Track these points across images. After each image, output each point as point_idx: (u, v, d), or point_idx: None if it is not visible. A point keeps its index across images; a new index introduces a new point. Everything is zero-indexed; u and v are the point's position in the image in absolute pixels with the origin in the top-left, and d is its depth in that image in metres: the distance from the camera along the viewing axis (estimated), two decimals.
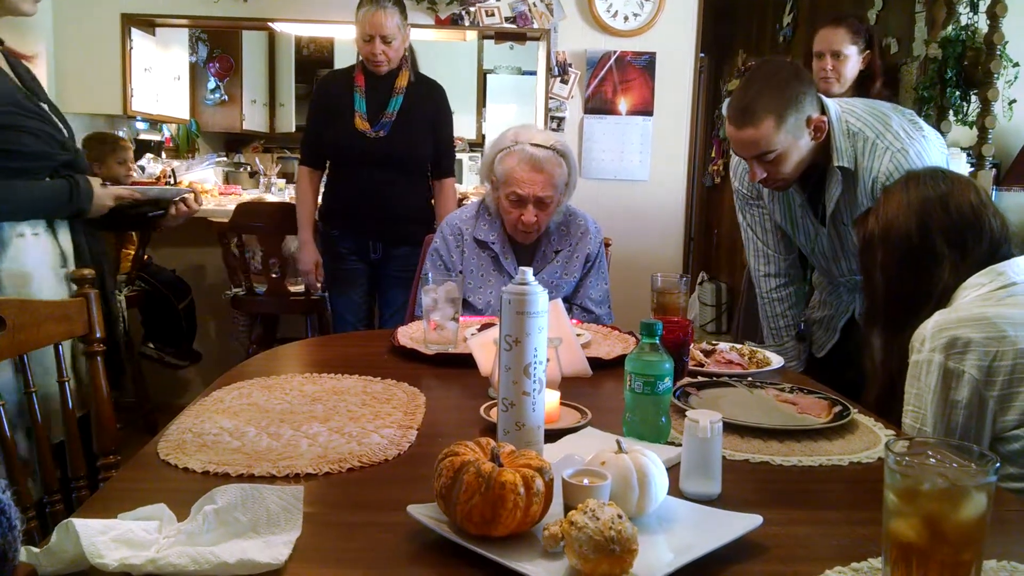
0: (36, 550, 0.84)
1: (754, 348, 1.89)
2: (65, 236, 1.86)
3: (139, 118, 4.57)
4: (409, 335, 1.91)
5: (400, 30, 2.93)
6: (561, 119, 4.00)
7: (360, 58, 3.02)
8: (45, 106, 1.85)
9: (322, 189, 3.23)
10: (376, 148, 2.98)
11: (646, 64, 3.96)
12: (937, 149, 1.92)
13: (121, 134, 4.16)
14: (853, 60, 2.64)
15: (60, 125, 1.87)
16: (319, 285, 3.22)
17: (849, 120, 1.91)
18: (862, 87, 2.68)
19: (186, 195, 2.12)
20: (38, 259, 1.78)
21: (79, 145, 2.04)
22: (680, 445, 1.14)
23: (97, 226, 1.98)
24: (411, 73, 3.04)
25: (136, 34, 4.10)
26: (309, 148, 3.17)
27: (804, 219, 2.08)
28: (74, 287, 1.81)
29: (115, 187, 1.94)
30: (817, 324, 2.27)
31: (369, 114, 2.98)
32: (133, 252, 3.51)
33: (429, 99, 3.08)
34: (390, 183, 3.02)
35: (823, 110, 1.90)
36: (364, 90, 3.01)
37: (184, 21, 4.28)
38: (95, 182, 1.88)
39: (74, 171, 1.87)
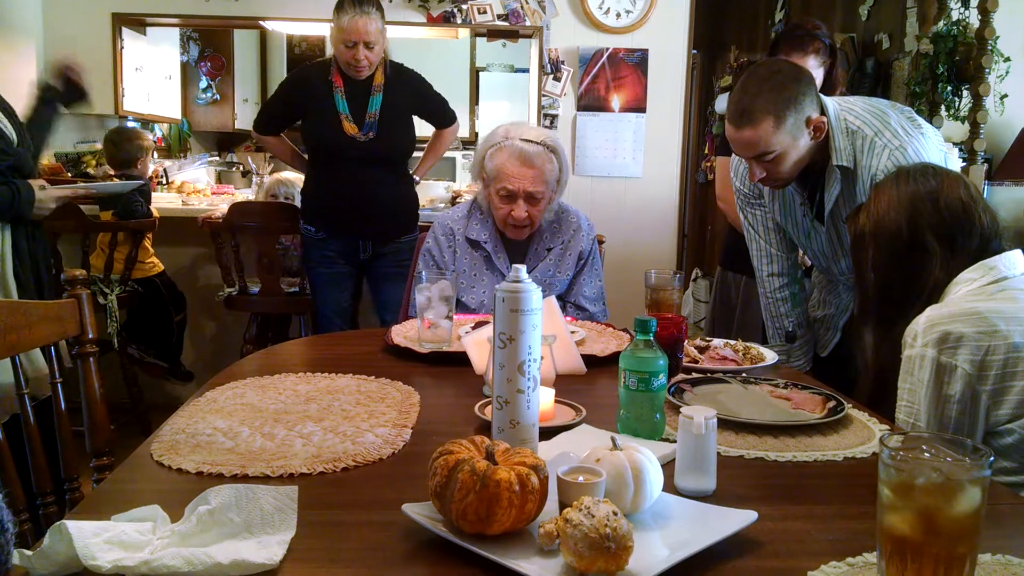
0: (29, 553, 0.84)
1: (748, 345, 1.89)
2: (2, 237, 1.88)
3: (130, 118, 4.54)
4: (403, 334, 1.91)
5: (381, 34, 2.91)
6: (554, 116, 4.00)
7: (333, 56, 2.98)
8: None
9: (300, 189, 3.22)
10: (364, 150, 2.97)
11: (639, 61, 3.96)
12: (935, 146, 1.91)
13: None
14: (819, 78, 2.63)
15: (4, 130, 1.89)
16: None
17: (848, 118, 1.91)
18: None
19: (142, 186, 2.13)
20: None
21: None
22: (675, 442, 1.14)
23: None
24: (386, 70, 3.03)
25: (127, 33, 4.08)
26: (271, 120, 3.22)
27: (804, 218, 2.08)
28: (11, 285, 1.84)
29: (56, 189, 1.95)
30: (818, 323, 2.27)
31: (353, 116, 2.97)
32: (126, 253, 3.49)
33: (404, 88, 3.08)
34: (378, 182, 3.01)
35: (822, 110, 1.90)
36: (344, 90, 2.98)
37: (175, 20, 4.26)
38: (36, 185, 1.89)
39: (18, 174, 1.89)
